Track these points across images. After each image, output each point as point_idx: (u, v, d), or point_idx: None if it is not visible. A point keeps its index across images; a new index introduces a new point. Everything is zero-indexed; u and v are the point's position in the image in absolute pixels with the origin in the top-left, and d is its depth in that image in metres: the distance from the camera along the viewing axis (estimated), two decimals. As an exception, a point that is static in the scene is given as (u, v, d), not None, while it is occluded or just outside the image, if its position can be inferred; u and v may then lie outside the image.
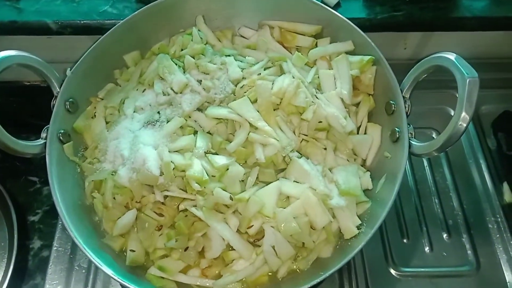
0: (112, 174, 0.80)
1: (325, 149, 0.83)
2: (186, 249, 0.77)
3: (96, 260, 0.69)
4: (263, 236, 0.76)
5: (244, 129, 0.80)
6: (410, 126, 0.76)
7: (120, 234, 0.78)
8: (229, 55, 0.89)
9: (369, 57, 0.84)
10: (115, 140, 0.82)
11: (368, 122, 0.87)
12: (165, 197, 0.78)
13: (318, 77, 0.87)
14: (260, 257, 0.76)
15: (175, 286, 0.76)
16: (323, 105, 0.82)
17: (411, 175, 1.06)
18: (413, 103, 0.78)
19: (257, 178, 0.79)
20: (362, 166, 0.85)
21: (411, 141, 0.75)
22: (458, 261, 0.95)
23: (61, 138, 0.80)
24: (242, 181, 0.79)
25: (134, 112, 0.85)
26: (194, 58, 0.88)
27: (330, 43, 0.90)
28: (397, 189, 0.73)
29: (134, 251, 0.77)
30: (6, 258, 0.95)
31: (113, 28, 0.87)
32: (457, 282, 0.93)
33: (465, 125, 0.65)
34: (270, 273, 0.77)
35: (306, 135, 0.83)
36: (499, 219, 0.99)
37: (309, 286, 0.68)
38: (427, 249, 0.97)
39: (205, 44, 0.91)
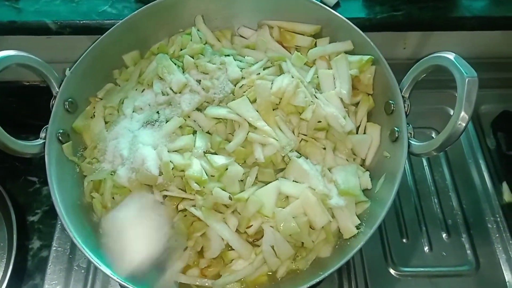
0: (111, 174, 0.80)
1: (324, 148, 0.83)
2: (185, 249, 0.77)
3: (95, 260, 0.69)
4: (262, 236, 0.76)
5: (243, 129, 0.80)
6: (409, 125, 0.76)
7: (119, 234, 0.78)
8: (228, 55, 0.88)
9: (368, 56, 0.84)
10: (114, 140, 0.82)
11: (367, 121, 0.87)
12: (164, 196, 0.78)
13: (317, 76, 0.87)
14: (259, 257, 0.76)
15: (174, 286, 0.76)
16: (322, 105, 0.82)
17: (410, 175, 1.06)
18: (412, 103, 0.78)
19: (256, 178, 0.79)
20: (361, 165, 0.85)
21: (410, 141, 0.75)
22: (457, 261, 0.95)
23: (60, 138, 0.80)
24: (241, 181, 0.79)
25: (133, 112, 0.85)
26: (193, 58, 0.88)
27: (330, 42, 0.90)
28: (396, 188, 0.73)
29: (133, 251, 0.77)
30: (5, 258, 0.95)
31: (112, 28, 0.87)
32: (457, 282, 0.93)
33: (464, 124, 0.65)
34: (269, 273, 0.77)
35: (305, 135, 0.83)
36: (499, 219, 0.99)
37: (308, 285, 0.68)
38: (426, 249, 0.97)
39: (204, 44, 0.91)
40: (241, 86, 0.84)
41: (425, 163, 1.08)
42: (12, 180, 1.07)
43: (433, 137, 1.02)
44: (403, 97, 0.78)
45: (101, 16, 1.00)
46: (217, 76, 0.84)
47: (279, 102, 0.82)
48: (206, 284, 0.76)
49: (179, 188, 0.77)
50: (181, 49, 0.91)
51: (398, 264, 0.95)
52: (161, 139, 0.80)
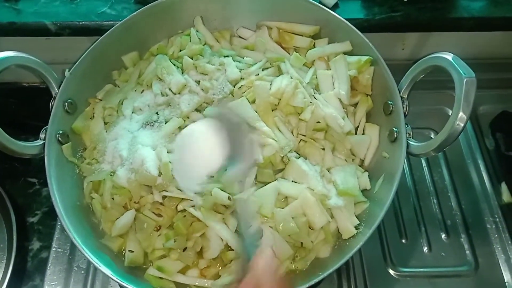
0: (111, 175, 0.80)
1: (323, 149, 0.83)
2: (184, 249, 0.77)
3: (95, 261, 0.70)
4: (261, 236, 0.76)
5: (242, 130, 0.80)
6: (408, 126, 0.77)
7: (118, 235, 0.78)
8: (227, 56, 0.89)
9: (367, 57, 0.84)
10: (114, 141, 0.82)
11: (366, 122, 0.88)
12: (164, 197, 0.78)
13: (316, 77, 0.87)
14: (259, 257, 0.76)
15: (174, 286, 0.76)
16: (321, 106, 0.82)
17: (409, 175, 1.06)
18: (411, 104, 0.78)
19: (255, 178, 0.79)
20: (360, 166, 0.85)
21: (409, 141, 0.75)
22: (456, 261, 0.95)
23: (59, 139, 0.80)
24: (241, 181, 0.79)
25: (132, 113, 0.86)
26: (192, 59, 0.88)
27: (328, 43, 0.91)
28: (395, 189, 0.73)
29: (132, 251, 0.77)
30: (5, 259, 0.95)
31: (112, 29, 0.87)
32: (456, 282, 0.93)
33: (462, 124, 0.66)
34: (268, 273, 0.77)
35: (304, 136, 0.83)
36: (498, 219, 0.99)
37: (307, 286, 0.68)
38: (425, 249, 0.97)
39: (203, 45, 0.91)
40: (240, 87, 0.84)
41: (424, 163, 1.08)
42: (12, 181, 1.07)
43: (431, 138, 1.01)
44: (401, 97, 0.78)
45: (100, 17, 1.00)
46: (216, 77, 0.85)
47: (278, 103, 0.82)
48: (206, 284, 0.76)
49: (178, 189, 0.77)
50: (180, 50, 0.91)
51: (397, 264, 0.95)
52: (161, 140, 0.80)
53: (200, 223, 0.76)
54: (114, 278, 0.69)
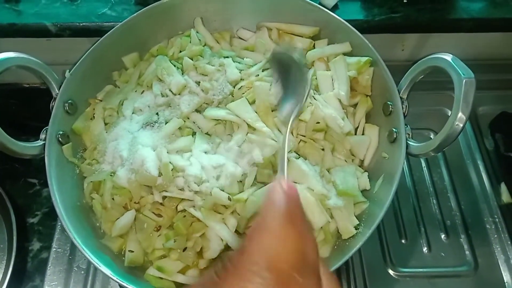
0: (111, 175, 0.80)
1: (323, 149, 0.83)
2: (184, 249, 0.76)
3: (95, 261, 0.70)
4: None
5: (242, 130, 0.80)
6: (407, 126, 0.77)
7: (119, 235, 0.78)
8: (227, 57, 0.89)
9: (367, 58, 0.84)
10: (114, 141, 0.82)
11: (365, 123, 0.88)
12: (164, 197, 0.78)
13: (316, 78, 0.87)
14: (259, 257, 0.76)
15: (174, 286, 0.76)
16: (320, 106, 0.82)
17: (409, 176, 1.07)
18: (410, 104, 0.78)
19: (255, 178, 0.80)
20: (360, 166, 0.85)
21: (408, 142, 0.76)
22: (456, 261, 0.96)
23: (60, 139, 0.80)
24: (240, 181, 0.79)
25: (132, 113, 0.86)
26: (192, 60, 0.88)
27: (328, 44, 0.91)
28: (394, 189, 0.73)
29: (132, 251, 0.77)
30: (5, 260, 0.95)
31: (112, 30, 0.87)
32: (455, 283, 0.93)
33: (461, 125, 0.66)
34: (268, 273, 0.77)
35: (304, 136, 0.84)
36: (497, 220, 0.99)
37: (307, 286, 0.68)
38: (425, 249, 0.97)
39: (203, 46, 0.92)
40: (240, 88, 0.84)
41: (423, 164, 1.09)
42: (12, 182, 1.07)
43: (431, 138, 1.01)
44: (401, 98, 0.78)
45: (100, 19, 1.00)
46: (216, 77, 0.85)
47: (278, 103, 0.82)
48: (206, 284, 0.76)
49: (179, 189, 0.77)
50: (180, 51, 0.92)
51: (397, 264, 0.95)
52: (161, 140, 0.80)
53: (200, 223, 0.76)
54: (114, 278, 0.69)
